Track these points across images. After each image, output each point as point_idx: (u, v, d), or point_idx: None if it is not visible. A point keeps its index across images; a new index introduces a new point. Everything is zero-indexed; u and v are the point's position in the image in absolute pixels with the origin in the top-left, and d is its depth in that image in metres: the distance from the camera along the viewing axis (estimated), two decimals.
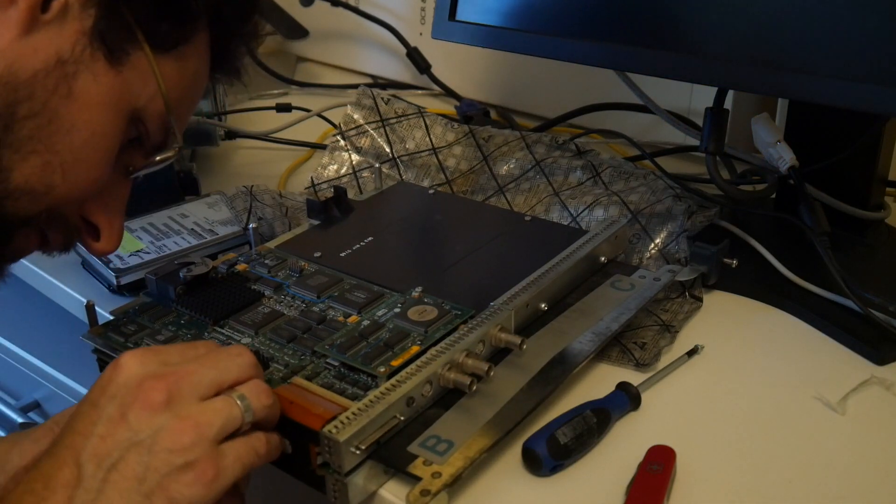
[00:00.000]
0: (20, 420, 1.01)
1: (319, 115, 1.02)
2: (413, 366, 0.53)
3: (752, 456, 0.54)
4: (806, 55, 0.61)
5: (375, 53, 1.22)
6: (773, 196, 0.78)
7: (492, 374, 0.54)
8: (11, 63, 0.49)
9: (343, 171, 0.86)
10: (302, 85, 1.21)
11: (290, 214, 0.77)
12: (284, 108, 1.02)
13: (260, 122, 1.02)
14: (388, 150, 0.87)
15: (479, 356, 0.56)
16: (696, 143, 0.76)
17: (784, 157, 0.71)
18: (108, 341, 0.60)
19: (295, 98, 1.13)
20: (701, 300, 0.68)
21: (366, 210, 0.76)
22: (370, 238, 0.71)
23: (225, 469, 0.46)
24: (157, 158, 0.57)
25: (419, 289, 0.62)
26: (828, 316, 0.65)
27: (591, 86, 0.98)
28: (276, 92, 1.18)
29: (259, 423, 0.49)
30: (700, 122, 0.72)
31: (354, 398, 0.52)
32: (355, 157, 0.87)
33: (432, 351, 0.54)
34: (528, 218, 0.74)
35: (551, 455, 0.51)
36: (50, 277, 0.75)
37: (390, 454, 0.50)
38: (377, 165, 0.81)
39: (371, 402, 0.50)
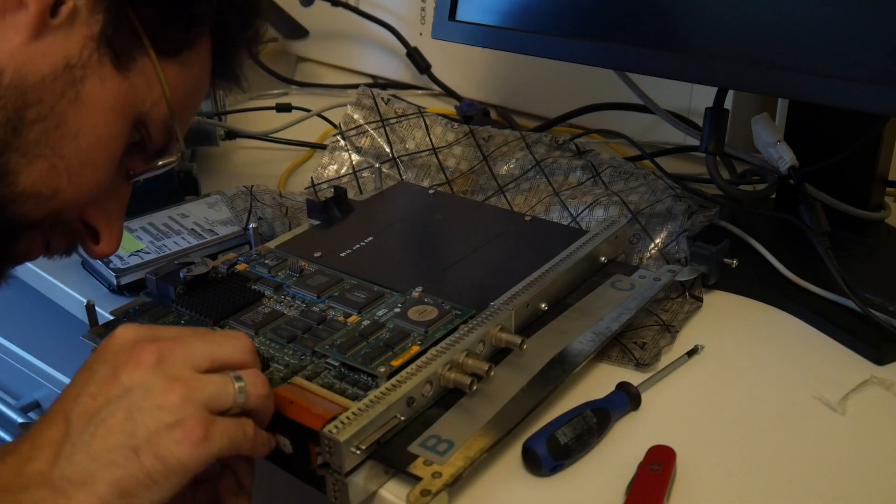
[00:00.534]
0: (20, 420, 1.01)
1: (319, 115, 1.02)
2: (413, 366, 0.53)
3: (752, 456, 0.54)
4: (806, 55, 0.61)
5: (375, 53, 1.22)
6: (773, 196, 0.78)
7: (492, 374, 0.54)
8: (20, 67, 0.49)
9: (343, 171, 0.86)
10: (302, 85, 1.21)
11: (290, 214, 0.77)
12: (284, 108, 1.02)
13: (260, 122, 1.02)
14: (388, 150, 0.87)
15: (480, 356, 0.56)
16: (696, 143, 0.77)
17: (784, 157, 0.71)
18: None
19: (295, 98, 1.13)
20: (701, 300, 0.68)
21: (366, 210, 0.76)
22: (370, 238, 0.71)
23: (213, 434, 0.45)
24: (160, 163, 0.58)
25: (419, 289, 0.62)
26: (828, 316, 0.65)
27: (591, 86, 0.98)
28: (276, 92, 1.18)
29: (252, 412, 0.48)
30: (700, 122, 0.72)
31: (355, 398, 0.52)
32: (355, 157, 0.87)
33: (432, 351, 0.54)
34: (528, 218, 0.74)
35: (551, 455, 0.51)
36: (50, 277, 0.75)
37: (391, 454, 0.50)
38: (377, 165, 0.81)
39: (371, 402, 0.50)
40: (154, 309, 0.62)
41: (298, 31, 1.25)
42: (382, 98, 0.89)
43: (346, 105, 0.90)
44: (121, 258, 0.71)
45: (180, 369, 0.47)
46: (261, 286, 0.64)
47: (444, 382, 0.54)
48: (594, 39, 0.71)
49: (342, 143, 0.88)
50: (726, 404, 0.58)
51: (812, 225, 0.69)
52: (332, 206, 0.74)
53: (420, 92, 1.17)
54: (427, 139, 0.87)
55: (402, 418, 0.51)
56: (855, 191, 0.74)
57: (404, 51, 1.15)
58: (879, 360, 0.61)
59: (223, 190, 0.82)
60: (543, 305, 0.62)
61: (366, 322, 0.59)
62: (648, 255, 0.72)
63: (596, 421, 0.54)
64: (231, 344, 0.50)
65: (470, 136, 0.86)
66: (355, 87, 0.99)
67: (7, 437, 1.01)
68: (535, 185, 0.80)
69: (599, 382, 0.59)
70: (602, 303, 0.64)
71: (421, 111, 0.89)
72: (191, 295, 0.63)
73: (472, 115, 1.00)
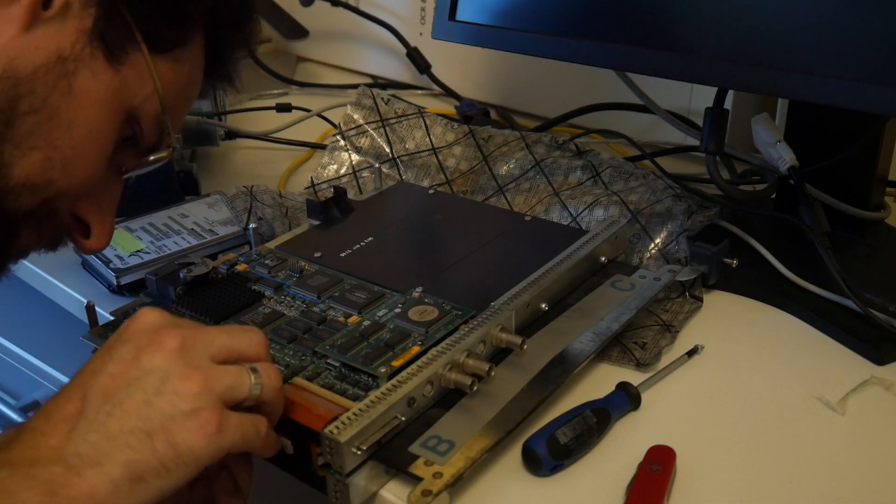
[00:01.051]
0: (20, 420, 1.01)
1: (319, 115, 1.02)
2: (414, 366, 0.53)
3: (752, 456, 0.54)
4: (806, 55, 0.61)
5: (375, 53, 1.22)
6: (773, 196, 0.78)
7: (492, 374, 0.54)
8: (13, 59, 0.50)
9: (343, 171, 0.86)
10: (302, 85, 1.21)
11: (290, 214, 0.77)
12: (284, 108, 1.02)
13: (260, 122, 1.02)
14: (387, 150, 0.87)
15: (480, 356, 0.56)
16: (696, 143, 0.77)
17: (784, 157, 0.71)
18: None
19: (295, 98, 1.13)
20: (701, 300, 0.68)
21: (366, 210, 0.76)
22: (370, 238, 0.71)
23: (227, 428, 0.45)
24: (151, 158, 0.58)
25: (420, 289, 0.62)
26: (828, 316, 0.65)
27: (591, 86, 0.98)
28: (276, 92, 1.18)
29: (265, 406, 0.49)
30: (700, 122, 0.72)
31: (355, 399, 0.52)
32: (355, 157, 0.87)
33: (433, 351, 0.54)
34: (528, 218, 0.74)
35: (551, 455, 0.51)
36: (50, 277, 0.75)
37: (391, 454, 0.50)
38: (377, 165, 0.81)
39: (372, 402, 0.50)
40: None
41: (298, 31, 1.25)
42: (382, 98, 0.89)
43: (346, 105, 0.90)
44: (121, 258, 0.71)
45: (200, 358, 0.47)
46: (261, 286, 0.64)
47: (445, 383, 0.54)
48: (594, 39, 0.71)
49: (342, 143, 0.88)
50: (726, 404, 0.58)
51: (812, 225, 0.69)
52: (332, 207, 0.74)
53: (420, 92, 1.17)
54: (427, 139, 0.87)
55: (403, 419, 0.51)
56: (855, 191, 0.74)
57: (404, 51, 1.15)
58: (879, 360, 0.61)
59: (223, 190, 0.82)
60: (544, 305, 0.62)
61: (366, 322, 0.59)
62: (648, 255, 0.72)
63: (596, 421, 0.54)
64: (248, 337, 0.50)
65: (470, 136, 0.86)
66: (355, 87, 0.99)
67: None
68: (535, 185, 0.80)
69: (599, 382, 0.59)
70: (602, 303, 0.64)
71: (421, 111, 0.89)
72: (191, 295, 0.63)
73: (472, 115, 1.00)
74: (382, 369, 0.54)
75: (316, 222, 0.73)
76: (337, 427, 0.48)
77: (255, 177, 0.89)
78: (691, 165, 0.92)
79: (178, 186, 0.84)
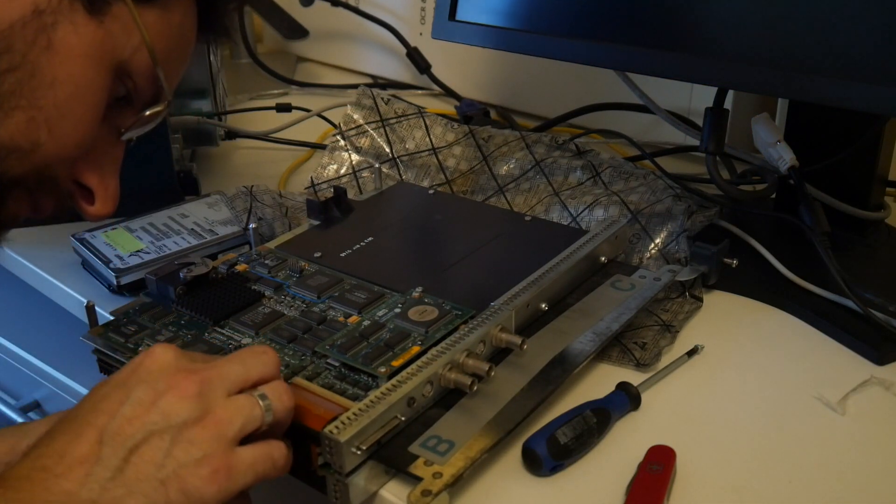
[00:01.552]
0: (20, 420, 1.01)
1: (319, 115, 1.02)
2: (414, 366, 0.53)
3: (752, 456, 0.54)
4: (806, 55, 0.61)
5: (375, 53, 1.22)
6: (773, 196, 0.78)
7: (492, 374, 0.54)
8: None
9: (343, 171, 0.86)
10: (302, 85, 1.21)
11: (290, 214, 0.77)
12: (284, 108, 1.02)
13: (260, 122, 1.02)
14: (387, 150, 0.87)
15: (480, 356, 0.56)
16: (696, 143, 0.77)
17: (784, 157, 0.71)
18: (108, 342, 0.60)
19: (295, 98, 1.13)
20: (701, 300, 0.68)
21: (366, 210, 0.76)
22: (370, 238, 0.71)
23: (237, 473, 0.45)
24: (147, 114, 0.56)
25: (419, 289, 0.62)
26: (828, 316, 0.65)
27: (591, 86, 0.98)
28: (276, 92, 1.18)
29: (278, 424, 0.49)
30: (700, 122, 0.72)
31: (355, 398, 0.52)
32: (355, 157, 0.87)
33: (433, 351, 0.54)
34: (528, 218, 0.74)
35: (551, 455, 0.51)
36: (50, 277, 0.75)
37: (391, 454, 0.50)
38: (377, 165, 0.81)
39: (372, 402, 0.50)
40: (154, 309, 0.62)
41: (298, 31, 1.25)
42: (382, 98, 0.89)
43: (346, 105, 0.90)
44: (121, 258, 0.71)
45: (216, 398, 0.46)
46: (261, 286, 0.64)
47: (445, 383, 0.54)
48: (594, 39, 0.71)
49: (342, 143, 0.88)
50: (726, 404, 0.58)
51: (812, 225, 0.69)
52: (332, 206, 0.74)
53: (420, 92, 1.18)
54: (427, 139, 0.87)
55: (403, 419, 0.51)
56: (855, 191, 0.74)
57: (404, 51, 1.15)
58: (879, 360, 0.61)
59: (223, 190, 0.82)
60: (544, 305, 0.62)
61: (366, 322, 0.59)
62: (648, 255, 0.72)
63: (596, 421, 0.54)
64: (261, 361, 0.49)
65: (470, 136, 0.86)
66: (355, 87, 0.99)
67: None
68: (535, 185, 0.80)
69: (599, 382, 0.59)
70: (602, 303, 0.64)
71: (421, 111, 0.89)
72: (191, 295, 0.63)
73: (472, 115, 1.00)
74: (382, 369, 0.54)
75: (316, 222, 0.73)
76: (337, 427, 0.48)
77: (255, 177, 0.89)
78: (691, 165, 0.92)
79: (178, 186, 0.84)
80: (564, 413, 0.54)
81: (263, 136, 0.98)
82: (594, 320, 0.62)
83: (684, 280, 0.67)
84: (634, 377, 0.59)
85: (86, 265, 0.74)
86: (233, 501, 0.47)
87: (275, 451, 0.47)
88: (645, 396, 0.58)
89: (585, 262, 0.66)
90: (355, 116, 0.88)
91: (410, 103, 0.90)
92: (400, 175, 0.85)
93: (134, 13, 0.53)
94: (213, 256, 0.70)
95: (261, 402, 0.47)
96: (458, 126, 0.87)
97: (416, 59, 1.14)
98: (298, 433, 0.50)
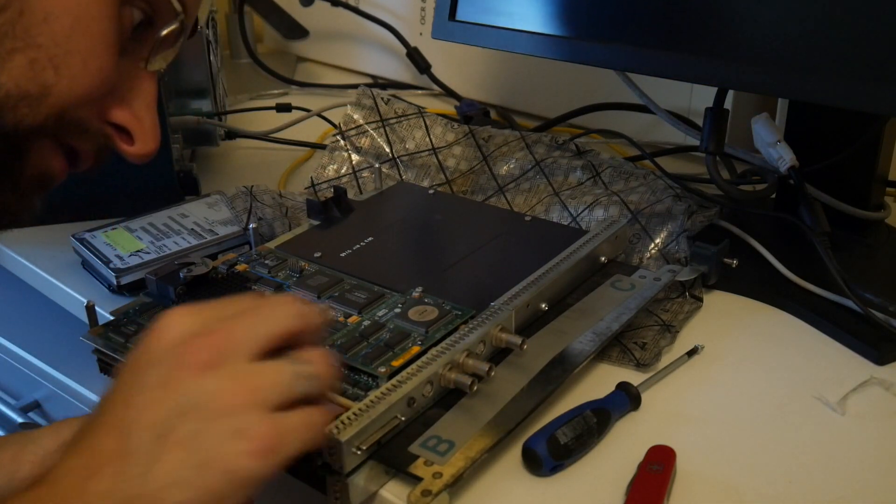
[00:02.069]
0: (20, 420, 1.01)
1: (319, 115, 1.02)
2: (414, 366, 0.53)
3: (752, 456, 0.54)
4: (806, 55, 0.61)
5: (375, 53, 1.22)
6: (773, 196, 0.78)
7: (492, 374, 0.54)
8: None
9: (343, 171, 0.86)
10: (302, 85, 1.21)
11: (290, 214, 0.77)
12: (284, 108, 1.02)
13: (260, 122, 1.02)
14: (387, 150, 0.87)
15: (480, 356, 0.56)
16: (696, 143, 0.76)
17: (784, 157, 0.71)
18: (108, 342, 0.60)
19: (295, 98, 1.13)
20: (701, 300, 0.68)
21: (366, 210, 0.76)
22: (370, 238, 0.71)
23: (282, 442, 0.41)
24: (163, 34, 0.51)
25: (419, 289, 0.62)
26: (828, 316, 0.65)
27: (591, 86, 0.98)
28: (276, 92, 1.18)
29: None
30: (700, 122, 0.72)
31: (355, 398, 0.52)
32: (355, 157, 0.87)
33: (433, 351, 0.54)
34: (528, 218, 0.74)
35: (551, 455, 0.51)
36: (50, 277, 0.75)
37: (391, 454, 0.50)
38: (377, 165, 0.81)
39: (372, 402, 0.50)
40: (154, 309, 0.62)
41: (298, 31, 1.25)
42: (382, 98, 0.89)
43: (346, 105, 0.90)
44: (121, 258, 0.71)
45: (238, 365, 0.42)
46: (261, 286, 0.64)
47: (445, 383, 0.54)
48: (594, 39, 0.71)
49: (342, 143, 0.88)
50: (726, 404, 0.58)
51: (812, 225, 0.69)
52: (332, 207, 0.74)
53: (420, 92, 1.18)
54: (427, 139, 0.87)
55: (403, 419, 0.51)
56: (855, 191, 0.74)
57: (404, 51, 1.15)
58: (879, 360, 0.61)
59: (223, 190, 0.82)
60: (544, 305, 0.62)
61: (366, 322, 0.59)
62: (648, 255, 0.72)
63: (596, 421, 0.54)
64: (283, 313, 0.45)
65: (470, 136, 0.86)
66: (355, 87, 0.99)
67: None
68: (535, 185, 0.80)
69: (599, 382, 0.59)
70: (602, 303, 0.64)
71: (421, 111, 0.89)
72: (191, 295, 0.63)
73: (472, 115, 1.00)
74: (382, 369, 0.54)
75: (316, 222, 0.73)
76: (337, 427, 0.48)
77: (255, 177, 0.89)
78: (691, 165, 0.92)
79: (178, 186, 0.84)
80: (564, 413, 0.54)
81: (263, 136, 0.98)
82: (594, 320, 0.62)
83: (684, 280, 0.67)
84: (634, 377, 0.59)
85: (86, 265, 0.74)
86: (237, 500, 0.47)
87: (315, 416, 0.44)
88: (645, 396, 0.58)
89: (585, 262, 0.66)
90: (355, 116, 0.88)
91: (410, 103, 0.90)
92: (400, 175, 0.85)
93: None
94: (214, 256, 0.70)
95: (295, 367, 0.43)
96: (458, 126, 0.87)
97: (416, 59, 1.14)
98: None
